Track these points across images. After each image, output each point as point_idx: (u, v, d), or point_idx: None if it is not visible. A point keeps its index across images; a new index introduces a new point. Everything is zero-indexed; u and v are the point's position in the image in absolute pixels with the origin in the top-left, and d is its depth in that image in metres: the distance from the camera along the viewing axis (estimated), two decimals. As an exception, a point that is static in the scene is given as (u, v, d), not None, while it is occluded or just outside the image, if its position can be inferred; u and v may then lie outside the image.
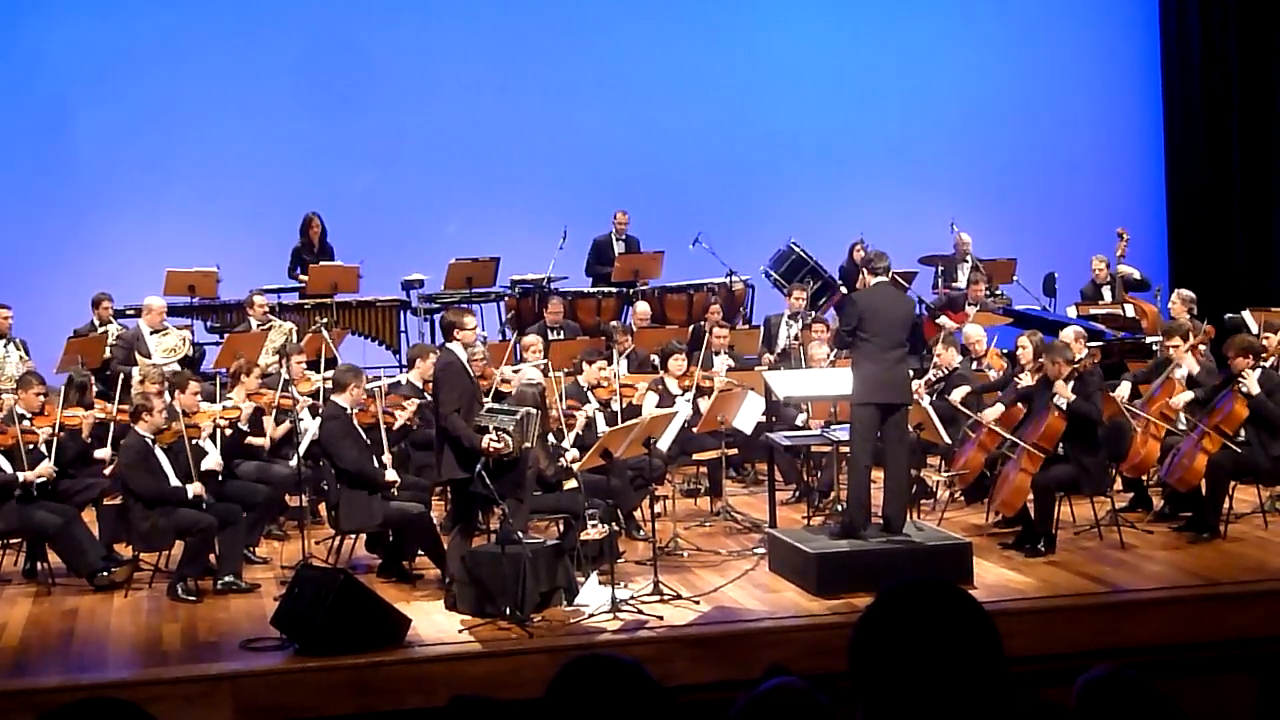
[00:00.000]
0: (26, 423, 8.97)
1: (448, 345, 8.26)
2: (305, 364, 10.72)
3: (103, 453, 9.29)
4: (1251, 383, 8.89)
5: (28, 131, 14.46)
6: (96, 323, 12.26)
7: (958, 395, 9.75)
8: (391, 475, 8.62)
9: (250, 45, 14.79)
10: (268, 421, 9.61)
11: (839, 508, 8.91)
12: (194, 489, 8.46)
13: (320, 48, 14.85)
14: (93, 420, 9.32)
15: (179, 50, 14.66)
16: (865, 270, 8.59)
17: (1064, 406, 8.75)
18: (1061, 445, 8.84)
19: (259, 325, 12.28)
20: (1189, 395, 9.26)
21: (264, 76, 14.79)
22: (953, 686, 2.26)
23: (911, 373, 8.83)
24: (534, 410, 8.09)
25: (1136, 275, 13.59)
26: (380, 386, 9.85)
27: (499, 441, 7.77)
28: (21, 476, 8.67)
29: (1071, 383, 8.82)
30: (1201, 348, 10.03)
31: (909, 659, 2.27)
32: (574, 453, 9.06)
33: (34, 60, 14.50)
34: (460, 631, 7.41)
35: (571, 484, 8.56)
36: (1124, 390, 9.60)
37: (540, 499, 8.44)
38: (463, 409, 7.92)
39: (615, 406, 10.07)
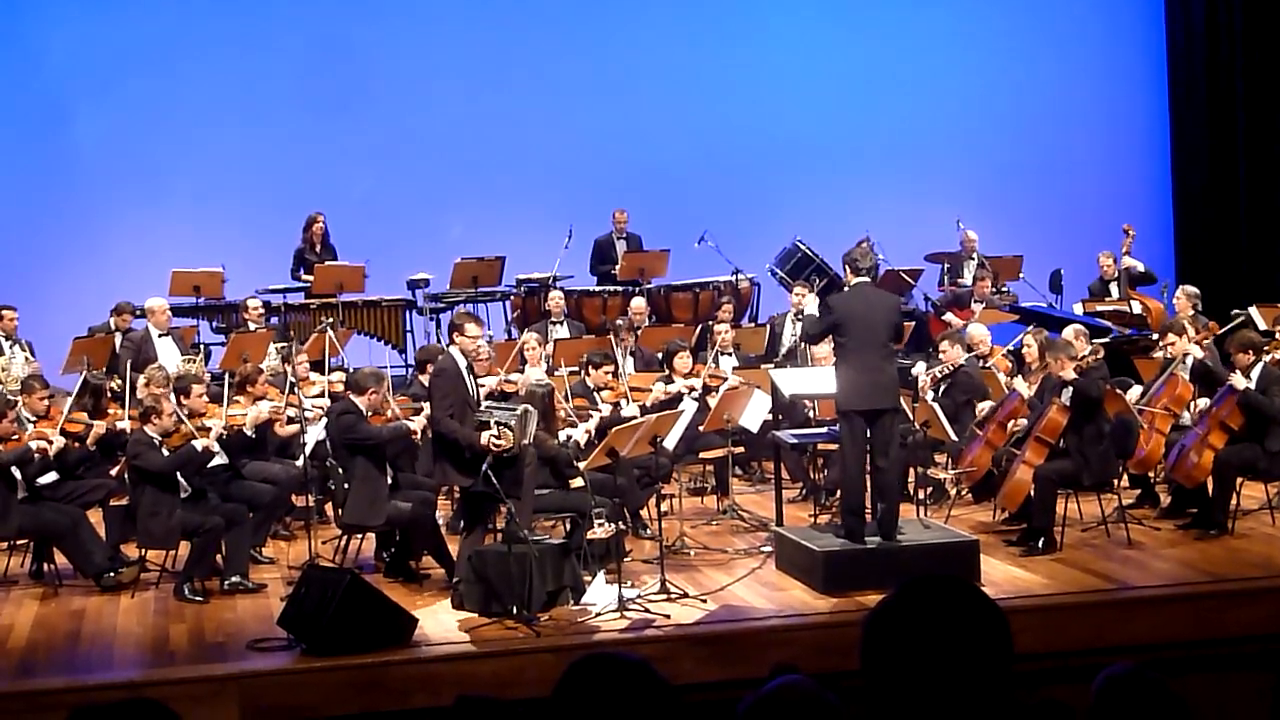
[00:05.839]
0: (32, 427, 8.96)
1: (449, 348, 8.27)
2: (309, 364, 10.72)
3: (124, 424, 9.25)
4: (1238, 379, 8.88)
5: (30, 133, 14.49)
6: (113, 328, 12.22)
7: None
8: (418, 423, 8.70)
9: (253, 46, 14.82)
10: (276, 428, 9.58)
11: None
12: (201, 443, 8.46)
13: (323, 48, 14.87)
14: (103, 430, 9.22)
15: (181, 52, 14.69)
16: (848, 268, 8.33)
17: (1066, 400, 8.76)
18: (1064, 440, 8.83)
19: (256, 328, 12.29)
20: (1205, 402, 9.25)
21: (267, 77, 14.81)
22: (962, 682, 2.26)
23: (898, 373, 8.69)
24: (532, 408, 8.10)
25: (1141, 268, 13.60)
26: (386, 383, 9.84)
27: (499, 437, 7.77)
28: (33, 445, 8.63)
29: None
30: (1206, 341, 10.02)
31: (921, 653, 2.28)
32: (580, 436, 9.09)
33: (35, 62, 14.53)
34: (466, 631, 7.42)
35: (578, 483, 8.55)
36: (1135, 394, 9.58)
37: (547, 498, 8.44)
38: (455, 414, 7.93)
39: (625, 408, 10.05)
